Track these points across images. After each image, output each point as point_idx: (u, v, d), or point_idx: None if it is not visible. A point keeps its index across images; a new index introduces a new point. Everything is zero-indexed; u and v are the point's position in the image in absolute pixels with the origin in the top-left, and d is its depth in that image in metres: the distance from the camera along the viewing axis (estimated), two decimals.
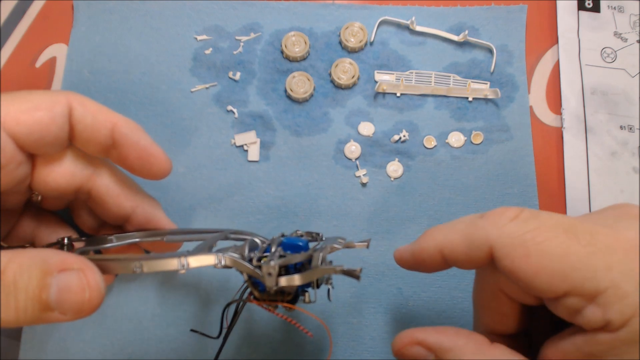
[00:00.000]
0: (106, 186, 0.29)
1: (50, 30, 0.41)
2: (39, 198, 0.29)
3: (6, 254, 0.21)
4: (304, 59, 0.39)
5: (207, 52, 0.39)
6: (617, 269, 0.19)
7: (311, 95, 0.38)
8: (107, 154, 0.28)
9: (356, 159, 0.37)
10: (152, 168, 0.28)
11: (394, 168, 0.37)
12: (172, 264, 0.23)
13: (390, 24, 0.40)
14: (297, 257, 0.23)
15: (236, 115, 0.38)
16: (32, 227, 0.30)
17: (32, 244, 0.30)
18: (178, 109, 0.38)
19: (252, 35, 0.40)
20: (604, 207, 0.24)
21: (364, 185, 0.37)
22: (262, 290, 0.24)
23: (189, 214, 0.36)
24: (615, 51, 0.40)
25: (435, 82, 0.39)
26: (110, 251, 0.31)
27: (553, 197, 0.37)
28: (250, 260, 0.24)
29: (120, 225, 0.31)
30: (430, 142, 0.38)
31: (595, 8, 0.41)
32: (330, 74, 0.39)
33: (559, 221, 0.21)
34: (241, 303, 0.26)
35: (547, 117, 0.39)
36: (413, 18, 0.39)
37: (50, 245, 0.29)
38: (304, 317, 0.32)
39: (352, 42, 0.39)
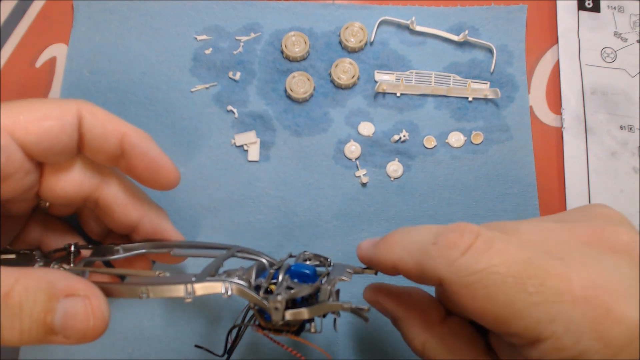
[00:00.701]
0: (114, 195, 0.29)
1: (50, 30, 0.40)
2: (47, 205, 0.29)
3: (12, 274, 0.21)
4: (304, 59, 0.39)
5: (207, 52, 0.39)
6: (560, 321, 0.19)
7: (311, 95, 0.38)
8: (115, 164, 0.28)
9: (356, 159, 0.37)
10: (160, 179, 0.28)
11: (394, 168, 0.37)
12: (179, 290, 0.23)
13: (390, 24, 0.40)
14: (305, 290, 0.23)
15: (236, 115, 0.38)
16: (39, 232, 0.30)
17: (39, 248, 0.30)
18: (178, 109, 0.38)
19: (252, 35, 0.40)
20: (583, 207, 0.24)
21: (364, 185, 0.37)
22: (267, 319, 0.24)
23: (189, 214, 0.36)
24: (615, 51, 0.40)
25: (435, 82, 0.39)
26: (117, 262, 0.30)
27: (553, 197, 0.37)
28: (257, 288, 0.23)
29: (127, 235, 0.31)
30: (430, 142, 0.38)
31: (595, 8, 0.41)
32: (330, 74, 0.39)
33: (513, 257, 0.20)
34: (243, 326, 0.26)
35: (547, 117, 0.39)
36: (413, 18, 0.39)
37: (56, 251, 0.29)
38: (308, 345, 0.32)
39: (352, 42, 0.39)
